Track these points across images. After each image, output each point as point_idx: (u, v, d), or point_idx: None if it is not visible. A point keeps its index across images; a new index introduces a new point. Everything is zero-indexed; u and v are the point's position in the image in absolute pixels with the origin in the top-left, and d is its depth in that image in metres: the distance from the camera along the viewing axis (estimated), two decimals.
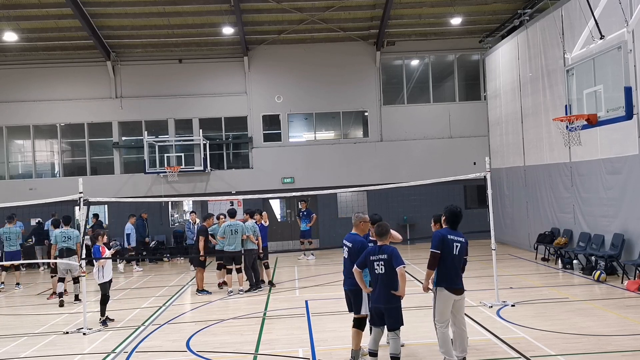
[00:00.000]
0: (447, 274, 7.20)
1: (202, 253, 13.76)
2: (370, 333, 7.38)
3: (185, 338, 9.49)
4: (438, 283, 7.25)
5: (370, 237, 8.06)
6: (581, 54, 10.37)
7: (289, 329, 9.76)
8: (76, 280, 13.37)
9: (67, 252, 13.20)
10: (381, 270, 6.94)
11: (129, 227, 18.48)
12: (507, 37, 20.19)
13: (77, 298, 13.32)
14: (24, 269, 18.70)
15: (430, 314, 9.69)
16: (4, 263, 15.52)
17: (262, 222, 14.47)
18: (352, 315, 7.66)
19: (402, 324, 7.06)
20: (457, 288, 7.25)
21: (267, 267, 14.39)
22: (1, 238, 15.82)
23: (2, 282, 15.75)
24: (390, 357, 7.03)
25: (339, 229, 20.43)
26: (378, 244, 7.12)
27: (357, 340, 7.50)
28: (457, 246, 7.28)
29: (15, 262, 15.64)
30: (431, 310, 8.21)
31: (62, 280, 13.28)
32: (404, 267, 6.92)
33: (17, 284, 15.87)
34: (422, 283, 13.29)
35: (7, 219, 16.01)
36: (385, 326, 7.11)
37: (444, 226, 7.55)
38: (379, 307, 7.02)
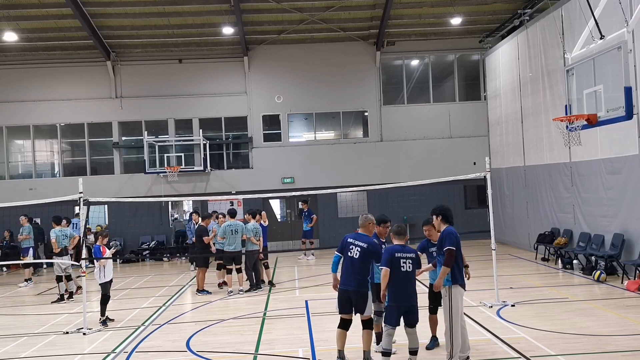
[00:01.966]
0: (459, 271, 7.28)
1: (212, 249, 13.76)
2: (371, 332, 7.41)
3: (185, 338, 9.48)
4: (454, 281, 7.19)
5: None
6: (581, 54, 10.36)
7: (289, 329, 9.76)
8: (69, 277, 13.44)
9: (65, 251, 13.50)
10: (409, 268, 7.06)
11: (213, 224, 18.27)
12: (507, 37, 20.19)
13: (70, 295, 13.39)
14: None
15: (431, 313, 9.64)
16: (8, 263, 15.96)
17: (262, 222, 14.47)
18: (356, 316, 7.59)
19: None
20: (464, 283, 7.36)
21: (266, 267, 14.39)
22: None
23: (30, 279, 16.44)
24: (411, 351, 7.18)
25: (339, 229, 20.43)
26: (399, 243, 7.19)
27: (368, 341, 7.44)
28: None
29: (17, 262, 15.91)
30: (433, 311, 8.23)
31: (61, 279, 13.31)
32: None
33: (28, 279, 16.33)
34: (421, 283, 13.31)
35: (26, 217, 16.46)
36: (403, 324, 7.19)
37: (442, 226, 7.45)
38: (403, 305, 7.05)
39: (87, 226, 11.38)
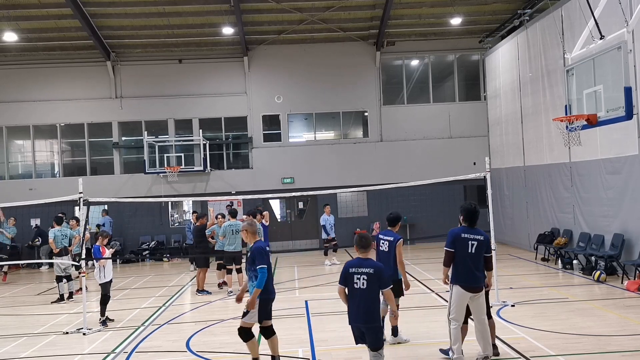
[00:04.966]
0: (462, 272, 7.19)
1: (213, 243, 13.75)
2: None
3: (185, 338, 9.48)
4: (453, 281, 7.27)
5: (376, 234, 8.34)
6: (581, 54, 10.36)
7: (289, 329, 9.75)
8: (69, 278, 13.44)
9: (65, 251, 13.49)
10: (362, 285, 6.23)
11: (325, 218, 17.73)
12: (507, 37, 20.19)
13: (70, 295, 13.40)
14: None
15: (432, 314, 9.71)
16: (8, 263, 15.94)
17: (263, 221, 14.47)
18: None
19: (383, 344, 6.46)
20: (472, 286, 7.19)
21: None
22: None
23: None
24: None
25: (340, 229, 20.40)
26: (360, 257, 6.42)
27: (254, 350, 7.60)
28: (473, 244, 7.20)
29: (17, 262, 15.87)
30: (437, 311, 8.21)
31: (61, 279, 13.31)
32: (390, 288, 6.44)
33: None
34: (421, 283, 13.34)
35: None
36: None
37: (462, 224, 7.45)
38: (358, 326, 6.35)
39: (87, 226, 11.37)
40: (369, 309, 6.24)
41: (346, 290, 6.40)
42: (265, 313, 7.44)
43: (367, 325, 6.27)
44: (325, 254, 18.05)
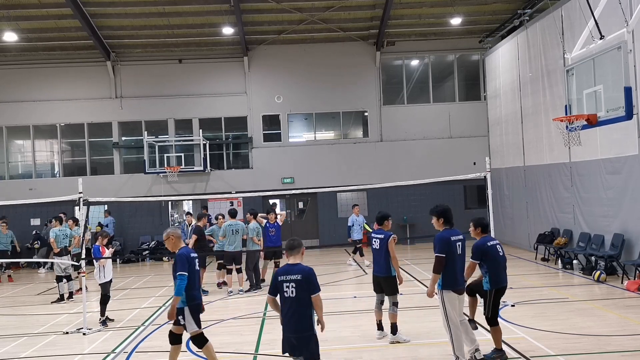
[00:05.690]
0: (453, 276, 7.07)
1: (214, 243, 13.84)
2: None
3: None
4: (444, 286, 7.05)
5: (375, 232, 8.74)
6: (581, 54, 10.36)
7: None
8: (69, 278, 13.44)
9: (65, 251, 13.49)
10: (292, 293, 5.79)
11: (353, 219, 16.97)
12: (507, 37, 20.19)
13: (70, 295, 13.41)
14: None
15: (432, 314, 9.71)
16: (9, 261, 15.95)
17: (278, 221, 14.46)
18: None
19: (319, 355, 5.86)
20: (460, 288, 7.14)
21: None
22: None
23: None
24: None
25: (340, 228, 20.44)
26: (289, 262, 5.95)
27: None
28: (459, 245, 7.17)
29: (17, 260, 15.87)
30: (437, 311, 8.16)
31: (61, 279, 13.30)
32: (319, 293, 5.86)
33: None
34: (421, 283, 13.33)
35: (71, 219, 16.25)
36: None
37: (441, 228, 7.35)
38: (289, 337, 5.86)
39: (87, 225, 11.37)
40: (299, 318, 5.79)
41: (278, 299, 5.96)
42: (198, 319, 7.30)
43: (298, 335, 5.79)
44: (362, 254, 16.87)
